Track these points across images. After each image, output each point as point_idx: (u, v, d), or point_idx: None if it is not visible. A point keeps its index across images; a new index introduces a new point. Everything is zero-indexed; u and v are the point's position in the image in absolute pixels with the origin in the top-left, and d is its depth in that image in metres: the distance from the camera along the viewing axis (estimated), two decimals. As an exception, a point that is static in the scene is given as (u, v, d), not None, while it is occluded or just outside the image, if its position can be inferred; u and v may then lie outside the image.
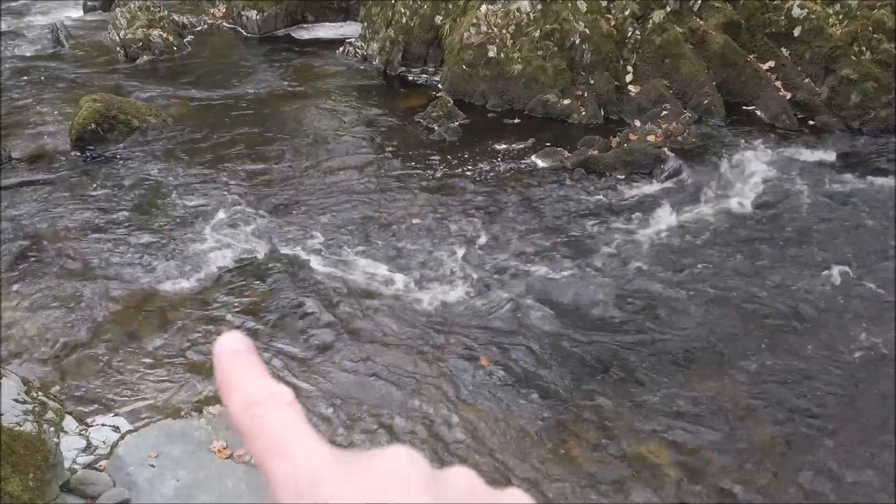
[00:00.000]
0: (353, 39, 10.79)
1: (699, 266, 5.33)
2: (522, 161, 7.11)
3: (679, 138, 7.15)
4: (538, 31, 8.33)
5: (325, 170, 6.99)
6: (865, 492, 3.51)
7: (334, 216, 6.11)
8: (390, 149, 7.49)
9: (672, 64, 8.10)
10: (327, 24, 12.56)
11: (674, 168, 6.66)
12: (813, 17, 8.07)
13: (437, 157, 7.23)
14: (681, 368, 4.31)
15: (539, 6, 8.42)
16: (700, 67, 8.05)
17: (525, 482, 3.54)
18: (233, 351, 0.35)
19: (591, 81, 8.23)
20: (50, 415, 3.20)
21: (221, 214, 6.11)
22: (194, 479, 3.11)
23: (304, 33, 12.18)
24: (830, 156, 6.91)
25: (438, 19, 9.54)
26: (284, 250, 5.57)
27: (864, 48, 7.69)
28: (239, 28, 12.36)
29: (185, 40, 11.53)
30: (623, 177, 6.70)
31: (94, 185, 6.65)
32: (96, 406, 3.96)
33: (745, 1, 8.46)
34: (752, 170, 6.68)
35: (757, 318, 4.71)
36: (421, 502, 0.30)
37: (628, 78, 8.34)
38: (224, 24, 12.56)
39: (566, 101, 8.08)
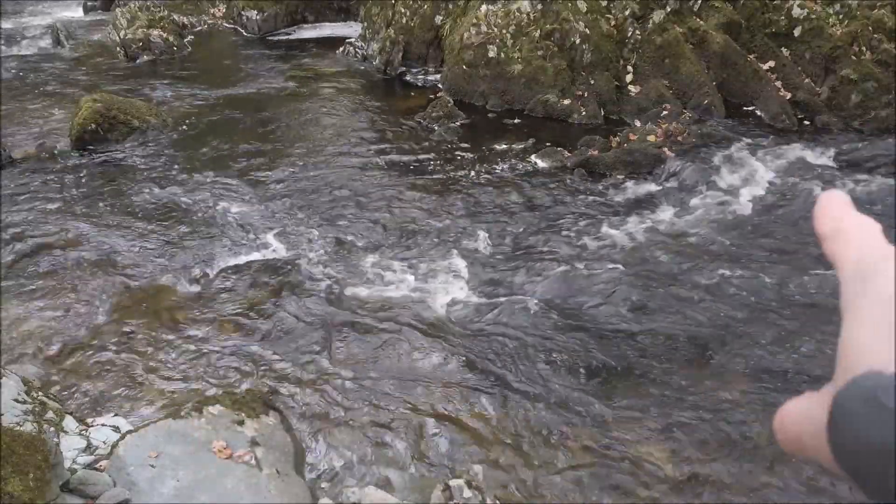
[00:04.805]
0: (353, 39, 10.79)
1: (699, 266, 5.33)
2: (522, 161, 7.12)
3: (679, 138, 7.15)
4: (538, 31, 8.33)
5: (324, 170, 7.00)
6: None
7: (334, 216, 6.11)
8: (390, 149, 7.50)
9: (672, 64, 8.10)
10: (327, 24, 12.57)
11: (674, 168, 6.66)
12: (813, 17, 8.07)
13: (437, 158, 7.23)
14: (681, 368, 4.31)
15: (539, 6, 8.42)
16: (700, 67, 8.05)
17: (525, 483, 3.54)
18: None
19: (591, 81, 8.23)
20: (50, 415, 3.20)
21: (221, 214, 6.11)
22: (194, 479, 3.11)
23: (305, 33, 12.19)
24: (830, 156, 6.91)
25: (438, 19, 9.54)
26: (284, 250, 5.58)
27: (864, 48, 7.69)
28: (239, 28, 12.37)
29: (185, 40, 11.53)
30: (623, 177, 6.70)
31: (95, 185, 6.65)
32: (96, 406, 3.96)
33: (745, 1, 8.47)
34: (751, 170, 6.69)
35: (757, 318, 4.71)
36: None
37: (628, 78, 8.35)
38: (224, 24, 12.57)
39: (566, 101, 8.08)
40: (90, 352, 4.43)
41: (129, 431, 3.37)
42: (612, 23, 8.50)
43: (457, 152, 7.34)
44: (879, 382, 0.31)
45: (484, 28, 8.55)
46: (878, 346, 0.34)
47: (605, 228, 5.86)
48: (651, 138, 7.15)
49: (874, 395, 0.31)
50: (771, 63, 8.21)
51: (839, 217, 0.42)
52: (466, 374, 4.27)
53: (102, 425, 3.55)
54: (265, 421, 3.69)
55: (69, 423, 3.40)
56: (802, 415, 0.37)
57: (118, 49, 11.02)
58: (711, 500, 3.48)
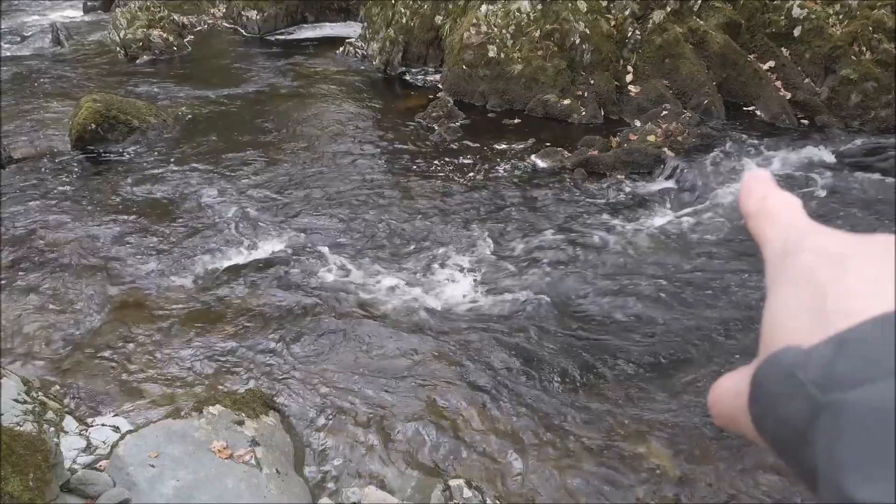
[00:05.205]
0: (353, 39, 10.79)
1: (698, 267, 5.33)
2: (522, 161, 7.12)
3: (679, 138, 7.14)
4: (538, 31, 8.33)
5: (324, 170, 7.00)
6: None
7: (333, 216, 6.11)
8: (390, 149, 7.50)
9: (672, 64, 8.10)
10: (327, 24, 12.58)
11: (674, 168, 6.66)
12: (813, 17, 8.07)
13: (436, 158, 7.23)
14: (681, 367, 4.31)
15: (539, 6, 8.42)
16: (700, 67, 8.05)
17: (525, 483, 3.54)
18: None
19: (591, 81, 8.23)
20: (50, 415, 3.21)
21: (221, 214, 6.12)
22: (194, 479, 3.11)
23: (304, 33, 12.19)
24: (830, 156, 6.91)
25: (438, 19, 9.54)
26: (284, 250, 5.58)
27: (864, 48, 7.69)
28: (239, 28, 12.37)
29: (185, 40, 11.53)
30: (623, 177, 6.70)
31: (94, 186, 6.65)
32: (96, 406, 3.96)
33: (745, 1, 8.47)
34: (751, 170, 6.68)
35: (756, 318, 4.71)
36: None
37: (628, 78, 8.35)
38: (224, 24, 12.57)
39: (566, 101, 8.08)
40: (90, 352, 4.43)
41: (129, 431, 3.37)
42: (612, 23, 8.50)
43: (456, 152, 7.34)
44: (796, 358, 0.31)
45: (484, 28, 8.55)
46: (798, 321, 0.33)
47: (604, 228, 5.86)
48: (651, 138, 7.15)
49: (790, 370, 0.31)
50: (771, 63, 8.21)
51: (764, 195, 0.42)
52: (466, 375, 4.27)
53: (102, 425, 3.55)
54: (265, 421, 3.69)
55: (69, 423, 3.40)
56: (733, 391, 0.37)
57: (118, 49, 11.02)
58: (711, 498, 3.48)
